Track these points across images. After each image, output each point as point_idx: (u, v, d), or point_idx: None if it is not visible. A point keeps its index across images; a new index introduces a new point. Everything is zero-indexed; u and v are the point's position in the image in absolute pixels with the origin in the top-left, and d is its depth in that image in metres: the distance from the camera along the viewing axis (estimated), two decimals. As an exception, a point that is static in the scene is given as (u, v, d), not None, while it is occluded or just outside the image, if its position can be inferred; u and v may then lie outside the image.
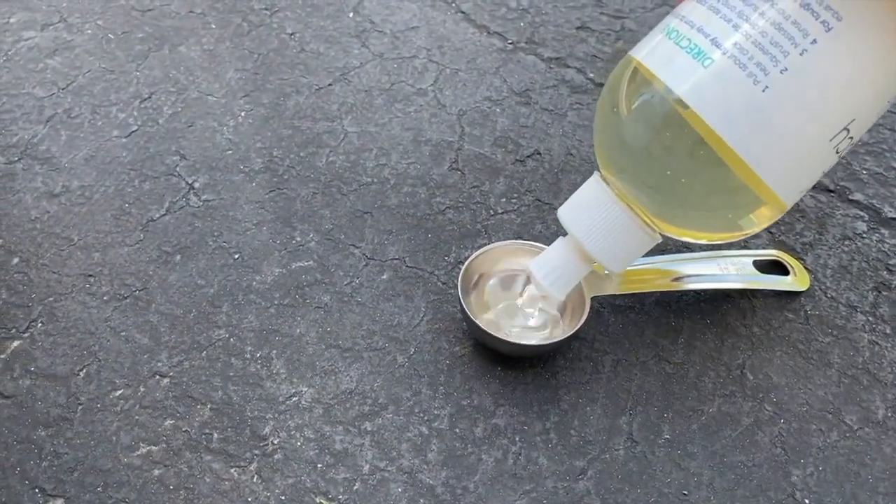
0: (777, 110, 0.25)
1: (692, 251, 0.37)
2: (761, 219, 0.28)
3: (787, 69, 0.24)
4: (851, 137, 0.26)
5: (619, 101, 0.28)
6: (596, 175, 0.30)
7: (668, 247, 0.37)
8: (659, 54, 0.27)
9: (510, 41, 0.47)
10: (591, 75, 0.45)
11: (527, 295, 0.33)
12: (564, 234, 0.31)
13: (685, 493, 0.30)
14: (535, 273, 0.31)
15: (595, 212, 0.29)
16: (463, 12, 0.49)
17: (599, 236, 0.29)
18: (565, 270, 0.31)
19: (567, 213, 0.30)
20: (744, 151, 0.25)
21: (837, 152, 0.26)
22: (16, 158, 0.40)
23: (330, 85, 0.44)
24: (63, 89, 0.44)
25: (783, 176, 0.26)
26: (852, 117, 0.25)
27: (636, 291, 0.34)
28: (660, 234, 0.29)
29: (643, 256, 0.36)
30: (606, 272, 0.34)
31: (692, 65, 0.25)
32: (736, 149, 0.25)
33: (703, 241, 0.30)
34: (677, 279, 0.34)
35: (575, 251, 0.30)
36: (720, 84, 0.25)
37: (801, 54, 0.24)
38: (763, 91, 0.24)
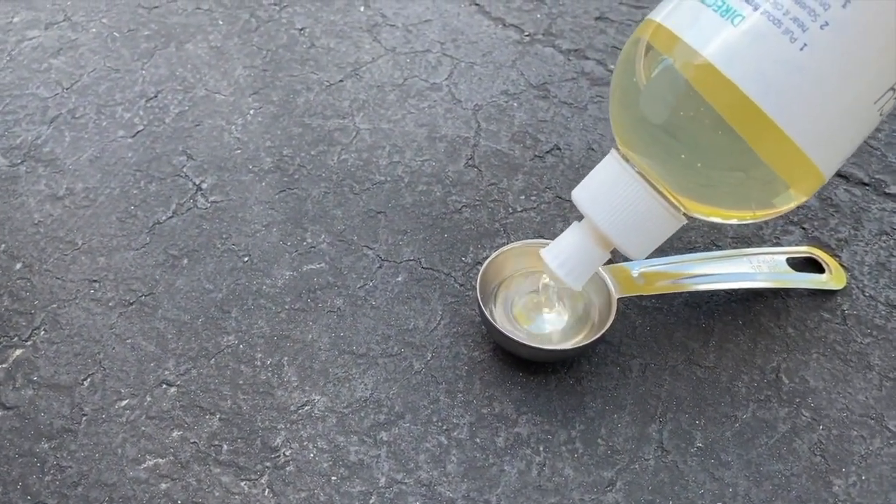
0: (817, 71, 0.22)
1: (722, 249, 0.35)
2: (797, 193, 0.26)
3: (827, 23, 0.22)
4: None
5: (637, 69, 0.26)
6: (613, 152, 0.27)
7: (696, 245, 0.36)
8: (681, 13, 0.25)
9: (527, 33, 0.46)
10: (612, 67, 0.44)
11: (541, 286, 0.31)
12: (580, 218, 0.29)
13: (720, 505, 0.28)
14: (548, 262, 0.29)
15: (614, 191, 0.27)
16: (477, 4, 0.47)
17: (619, 218, 0.27)
18: (582, 258, 0.28)
19: (582, 193, 0.28)
20: (780, 118, 0.23)
21: (881, 115, 0.24)
22: (19, 161, 0.39)
23: (341, 81, 0.43)
24: (67, 89, 0.42)
25: (823, 144, 0.24)
26: None
27: (664, 292, 0.33)
28: (685, 215, 0.27)
29: (671, 255, 0.34)
30: (635, 273, 0.32)
31: (720, 23, 0.23)
32: (771, 115, 0.23)
33: (734, 221, 0.27)
34: (707, 279, 0.33)
35: (592, 236, 0.28)
36: (752, 43, 0.23)
37: (843, 6, 0.22)
38: (801, 49, 0.22)
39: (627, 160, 0.27)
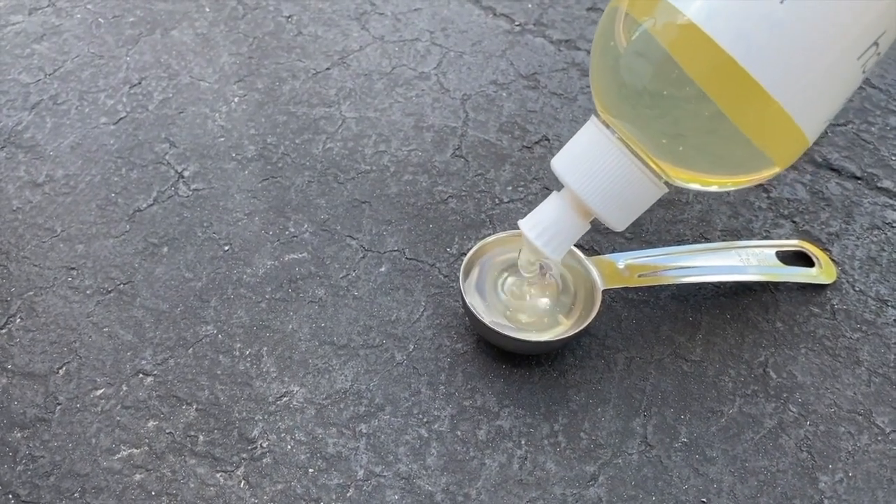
0: (799, 25, 0.22)
1: (711, 242, 0.35)
2: (780, 159, 0.25)
3: None
4: (879, 53, 0.23)
5: (616, 32, 0.25)
6: (593, 118, 0.27)
7: (685, 237, 0.35)
8: None
9: (517, 23, 0.45)
10: (603, 58, 0.43)
11: (522, 258, 0.30)
12: (560, 188, 0.28)
13: (704, 500, 0.28)
14: (526, 232, 0.28)
15: (593, 159, 0.26)
16: (468, -7, 0.47)
17: (598, 186, 0.26)
18: (561, 228, 0.28)
19: (562, 161, 0.27)
20: (762, 76, 0.22)
21: (864, 71, 0.24)
22: (-2, 146, 0.38)
23: (328, 69, 0.42)
24: (50, 75, 0.42)
25: (807, 105, 0.23)
26: (882, 29, 0.23)
27: (651, 284, 0.32)
28: (666, 182, 0.27)
29: (658, 247, 0.34)
30: (621, 265, 0.32)
31: None
32: (753, 73, 0.22)
33: (715, 188, 0.27)
34: (695, 271, 0.32)
35: (571, 205, 0.27)
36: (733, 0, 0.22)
37: None
38: (782, 3, 0.22)
39: (608, 126, 0.26)
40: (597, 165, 0.26)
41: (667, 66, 0.24)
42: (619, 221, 0.27)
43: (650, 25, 0.24)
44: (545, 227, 0.28)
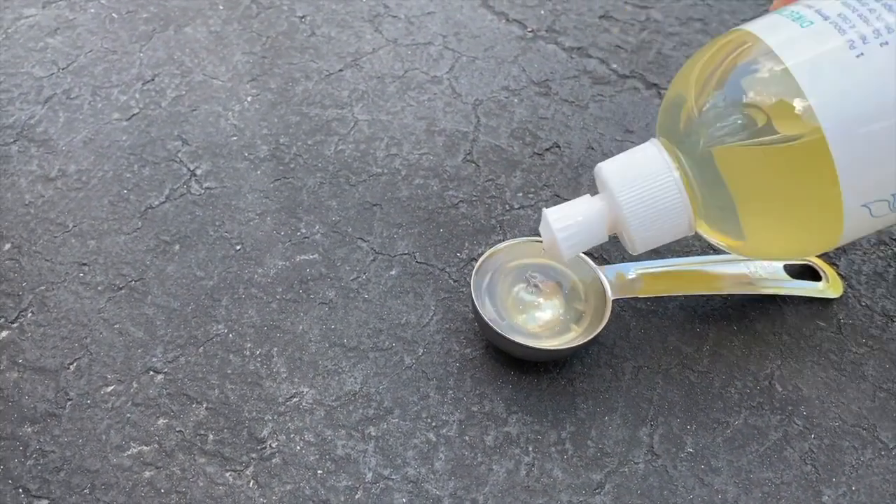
0: (867, 77, 0.24)
1: (720, 254, 0.35)
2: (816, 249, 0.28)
3: (887, 43, 0.23)
4: None
5: (689, 91, 0.26)
6: (654, 140, 0.27)
7: (694, 248, 0.35)
8: (760, 24, 0.26)
9: (530, 29, 0.45)
10: (614, 66, 0.43)
11: (544, 245, 0.30)
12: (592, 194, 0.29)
13: (709, 511, 0.28)
14: (552, 222, 0.28)
15: (646, 176, 0.26)
16: (481, -2, 0.47)
17: (639, 201, 0.26)
18: (584, 228, 0.28)
19: (612, 168, 0.27)
20: (822, 111, 0.24)
21: None
22: (11, 140, 0.38)
23: (341, 71, 0.42)
24: (63, 69, 0.42)
25: (857, 164, 0.24)
26: None
27: (660, 295, 0.32)
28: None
29: (668, 258, 0.34)
30: (632, 275, 0.32)
31: (790, 25, 0.25)
32: (814, 105, 0.24)
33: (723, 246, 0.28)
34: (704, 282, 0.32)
35: (602, 212, 0.28)
36: (814, 41, 0.24)
37: None
38: (857, 57, 0.23)
39: (667, 151, 0.27)
40: (647, 184, 0.26)
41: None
42: (642, 243, 0.27)
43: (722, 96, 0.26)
44: (571, 222, 0.28)
